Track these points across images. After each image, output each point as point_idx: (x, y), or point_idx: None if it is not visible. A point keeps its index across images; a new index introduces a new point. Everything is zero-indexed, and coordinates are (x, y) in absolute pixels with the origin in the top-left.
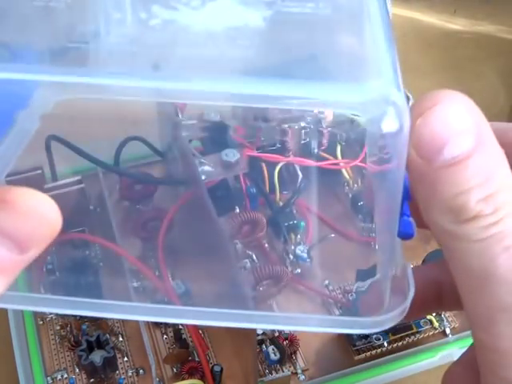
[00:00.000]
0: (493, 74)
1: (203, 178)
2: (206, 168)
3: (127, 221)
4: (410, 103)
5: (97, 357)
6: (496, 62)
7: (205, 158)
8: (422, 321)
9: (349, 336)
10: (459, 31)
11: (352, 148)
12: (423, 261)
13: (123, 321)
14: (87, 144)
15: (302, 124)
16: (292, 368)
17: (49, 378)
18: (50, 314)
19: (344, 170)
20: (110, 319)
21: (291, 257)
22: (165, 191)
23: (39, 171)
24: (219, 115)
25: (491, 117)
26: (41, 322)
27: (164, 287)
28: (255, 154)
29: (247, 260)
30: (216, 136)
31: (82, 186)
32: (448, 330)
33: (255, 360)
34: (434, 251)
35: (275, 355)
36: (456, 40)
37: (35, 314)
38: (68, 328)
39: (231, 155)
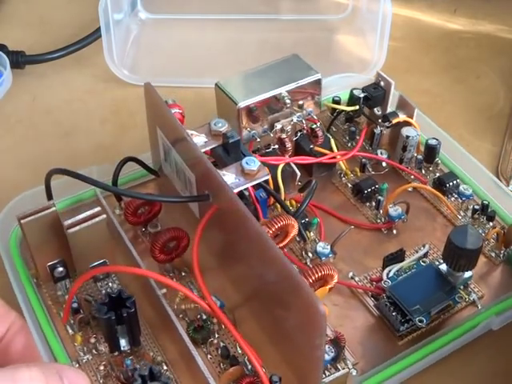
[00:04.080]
0: (493, 74)
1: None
2: (230, 179)
3: (135, 244)
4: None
5: None
6: (496, 62)
7: (226, 170)
8: (457, 296)
9: (391, 323)
10: (459, 31)
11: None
12: (449, 238)
13: (163, 349)
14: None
15: (295, 119)
16: (343, 364)
17: None
18: (85, 354)
19: (341, 162)
20: (149, 349)
21: (310, 255)
22: (168, 210)
23: (54, 208)
24: (227, 124)
25: (491, 117)
26: (77, 365)
27: (207, 305)
28: (261, 158)
29: (294, 265)
30: (229, 146)
31: (103, 217)
32: (477, 301)
33: (318, 364)
34: (457, 228)
35: (328, 355)
36: (456, 40)
37: (68, 358)
38: (109, 367)
39: (252, 163)
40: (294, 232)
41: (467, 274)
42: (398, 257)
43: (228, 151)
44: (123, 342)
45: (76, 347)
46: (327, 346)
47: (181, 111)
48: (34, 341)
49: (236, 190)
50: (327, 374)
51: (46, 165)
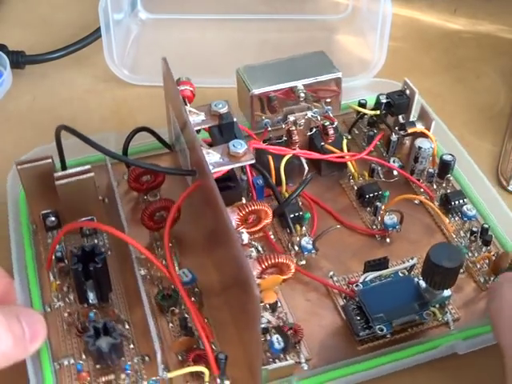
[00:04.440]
0: (493, 74)
1: (211, 168)
2: (214, 158)
3: (135, 211)
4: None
5: (103, 343)
6: (496, 62)
7: (212, 149)
8: (425, 312)
9: (352, 327)
10: (459, 31)
11: (357, 141)
12: (427, 254)
13: (129, 308)
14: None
15: (309, 114)
16: (296, 357)
17: (55, 363)
18: (58, 301)
19: (349, 163)
20: (117, 307)
21: (296, 248)
22: (172, 182)
23: (49, 160)
24: (227, 106)
25: (491, 117)
26: (48, 310)
27: (170, 275)
28: (262, 146)
29: (253, 249)
30: (223, 127)
31: (91, 174)
32: (451, 322)
33: (258, 348)
34: (438, 244)
35: (279, 344)
36: (456, 40)
37: (43, 301)
38: (76, 315)
39: (238, 146)
40: (268, 219)
41: (445, 294)
42: (380, 264)
43: (222, 132)
44: (91, 296)
45: (52, 293)
46: (276, 336)
47: (192, 89)
48: (14, 289)
49: (216, 170)
50: (276, 362)
51: None
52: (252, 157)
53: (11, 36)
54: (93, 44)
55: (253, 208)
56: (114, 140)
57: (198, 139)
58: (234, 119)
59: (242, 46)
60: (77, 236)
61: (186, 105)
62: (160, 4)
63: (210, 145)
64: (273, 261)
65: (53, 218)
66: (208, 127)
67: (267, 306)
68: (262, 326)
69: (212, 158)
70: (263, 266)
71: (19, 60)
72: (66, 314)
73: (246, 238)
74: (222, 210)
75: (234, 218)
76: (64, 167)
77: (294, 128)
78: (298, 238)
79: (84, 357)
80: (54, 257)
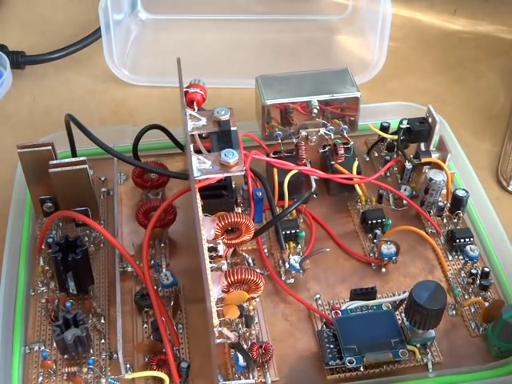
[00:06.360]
0: (493, 74)
1: (197, 174)
2: (204, 165)
3: (133, 207)
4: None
5: (69, 334)
6: (496, 62)
7: (206, 156)
8: (401, 351)
9: (323, 354)
10: (459, 31)
11: (374, 164)
12: (411, 290)
13: (109, 303)
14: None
15: (322, 131)
16: (262, 377)
17: (27, 347)
18: (42, 286)
19: (357, 186)
20: (97, 300)
21: (287, 265)
22: (180, 183)
23: (49, 147)
24: (229, 113)
25: (491, 117)
26: (32, 293)
27: (143, 276)
28: (262, 158)
29: (224, 261)
30: (221, 135)
31: (84, 166)
32: (430, 365)
33: (213, 361)
34: (425, 282)
35: (244, 361)
36: (456, 40)
37: (28, 284)
38: (56, 302)
39: (230, 155)
40: (248, 235)
41: (429, 335)
42: (367, 294)
43: (219, 139)
44: (71, 286)
45: (37, 277)
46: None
47: (202, 92)
48: None
49: (202, 177)
50: (241, 378)
51: None
52: (241, 168)
53: (11, 36)
54: (93, 44)
55: (233, 220)
56: (131, 132)
57: (190, 144)
58: (234, 128)
59: (242, 46)
60: (72, 225)
61: (193, 108)
62: (160, 4)
63: (209, 151)
64: (239, 276)
65: (50, 204)
66: (207, 133)
67: (242, 320)
68: (218, 341)
69: (203, 164)
70: (229, 281)
71: (19, 60)
72: (43, 300)
73: (221, 249)
74: (195, 217)
75: (213, 227)
76: (74, 155)
77: (302, 143)
78: (291, 256)
79: (54, 345)
80: (44, 242)
